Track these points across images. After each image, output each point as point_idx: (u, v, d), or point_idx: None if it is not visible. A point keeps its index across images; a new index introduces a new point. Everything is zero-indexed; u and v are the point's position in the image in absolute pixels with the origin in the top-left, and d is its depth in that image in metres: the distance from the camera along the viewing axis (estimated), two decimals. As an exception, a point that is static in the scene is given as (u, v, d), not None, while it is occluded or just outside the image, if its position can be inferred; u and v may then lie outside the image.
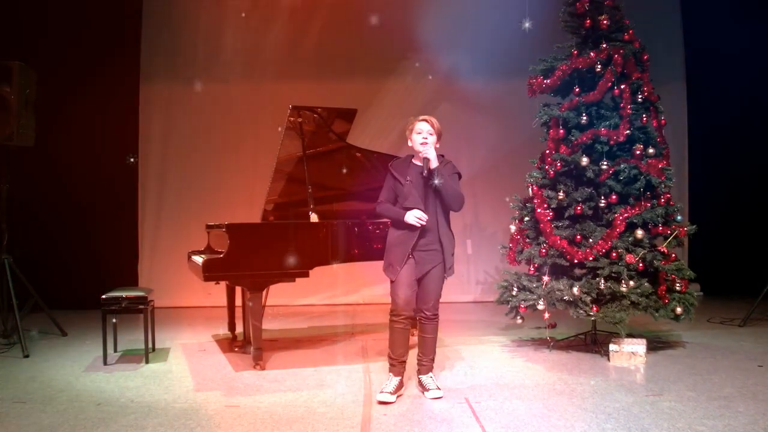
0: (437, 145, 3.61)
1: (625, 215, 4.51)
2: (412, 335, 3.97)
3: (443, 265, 3.60)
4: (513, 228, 5.05)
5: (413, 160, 3.67)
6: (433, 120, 3.62)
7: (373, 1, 7.63)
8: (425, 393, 3.64)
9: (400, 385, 3.66)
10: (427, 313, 3.65)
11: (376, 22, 7.58)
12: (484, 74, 7.62)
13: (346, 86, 7.32)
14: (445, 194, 3.53)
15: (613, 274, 4.47)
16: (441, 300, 3.72)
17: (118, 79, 7.24)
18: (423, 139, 3.55)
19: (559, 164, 4.71)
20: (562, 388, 3.81)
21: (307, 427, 3.18)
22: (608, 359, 4.48)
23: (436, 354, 3.82)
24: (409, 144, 3.66)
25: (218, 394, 3.77)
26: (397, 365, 3.65)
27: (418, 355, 3.74)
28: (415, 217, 3.51)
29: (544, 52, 5.05)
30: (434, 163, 3.50)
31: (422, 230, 3.54)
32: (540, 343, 5.08)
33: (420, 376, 3.73)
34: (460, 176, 3.68)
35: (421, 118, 3.61)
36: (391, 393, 3.54)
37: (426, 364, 3.71)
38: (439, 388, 3.65)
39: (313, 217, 4.69)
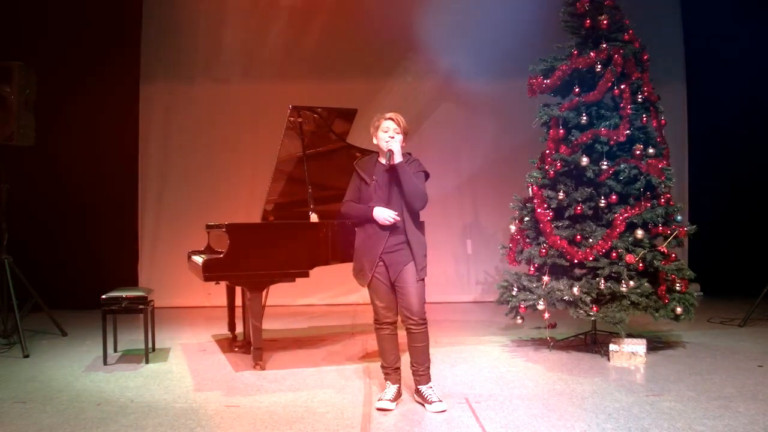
0: (404, 144, 3.49)
1: (625, 215, 4.51)
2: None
3: (414, 265, 3.45)
4: (513, 228, 5.04)
5: (379, 159, 3.56)
6: (399, 118, 3.49)
7: (373, 1, 7.63)
8: (426, 406, 3.44)
9: (399, 393, 3.57)
10: (415, 318, 3.42)
11: (376, 22, 7.59)
12: (484, 74, 7.62)
13: (346, 86, 7.32)
14: (405, 186, 3.39)
15: (613, 274, 4.47)
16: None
17: (118, 79, 7.25)
18: (389, 138, 3.44)
19: (559, 164, 4.71)
20: (562, 388, 3.81)
21: (307, 427, 3.18)
22: (608, 359, 4.48)
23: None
24: (375, 142, 3.55)
25: (218, 394, 3.77)
26: (391, 373, 3.56)
27: (413, 365, 3.52)
28: (384, 216, 3.40)
29: (544, 52, 5.05)
30: (398, 157, 3.39)
31: (390, 232, 3.44)
32: (540, 343, 5.08)
33: (419, 387, 3.51)
34: (427, 176, 3.55)
35: (388, 115, 3.48)
36: (390, 400, 3.47)
37: (423, 374, 3.50)
38: (441, 400, 3.44)
39: (313, 217, 4.69)
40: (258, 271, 4.31)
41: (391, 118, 3.48)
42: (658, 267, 4.51)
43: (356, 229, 3.63)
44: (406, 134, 3.51)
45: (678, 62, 7.76)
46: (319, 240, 4.47)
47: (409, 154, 3.55)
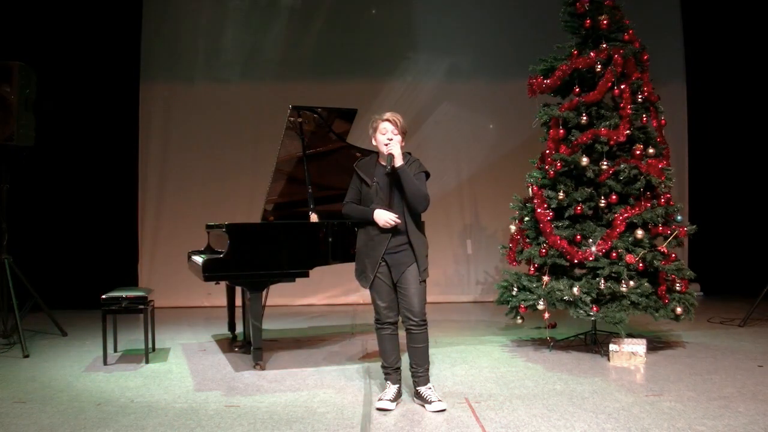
0: (403, 143, 3.48)
1: (625, 215, 4.51)
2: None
3: (417, 266, 3.45)
4: (513, 228, 5.04)
5: (379, 160, 3.55)
6: (397, 118, 3.47)
7: (373, 1, 7.63)
8: (426, 406, 3.45)
9: (399, 393, 3.57)
10: (416, 319, 3.43)
11: (376, 22, 7.59)
12: (484, 74, 7.63)
13: (346, 86, 7.33)
14: (408, 190, 3.39)
15: (613, 274, 4.47)
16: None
17: (118, 79, 7.25)
18: (388, 140, 3.43)
19: (559, 164, 4.71)
20: (562, 388, 3.81)
21: (307, 427, 3.18)
22: (608, 359, 4.48)
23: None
24: (373, 143, 3.55)
25: (218, 394, 3.77)
26: (392, 373, 3.56)
27: (412, 366, 3.52)
28: (384, 219, 3.39)
29: (544, 52, 5.06)
30: (399, 161, 3.39)
31: (391, 233, 3.44)
32: (540, 343, 5.08)
33: (418, 388, 3.51)
34: (427, 175, 3.54)
35: (385, 117, 3.47)
36: (390, 401, 3.47)
37: (422, 375, 3.50)
38: (440, 400, 3.45)
39: (313, 217, 4.69)
40: (258, 271, 4.31)
41: (388, 120, 3.46)
42: (658, 267, 4.51)
43: (357, 230, 3.63)
44: (404, 134, 3.49)
45: (678, 62, 7.76)
46: (319, 240, 4.47)
47: (409, 153, 3.54)
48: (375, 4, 7.62)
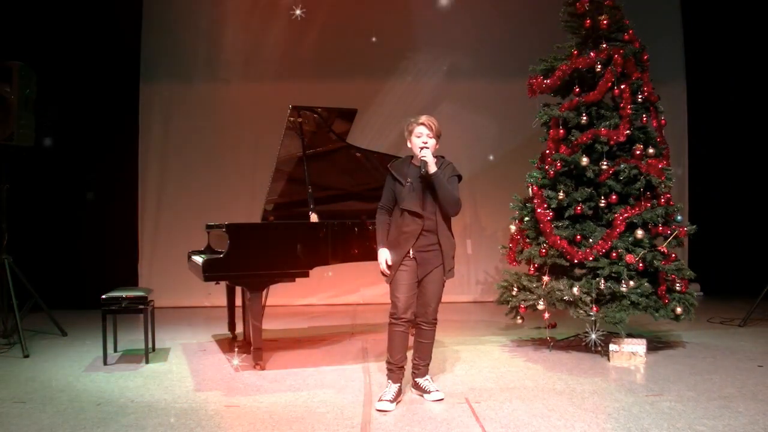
0: (437, 146, 3.57)
1: (625, 215, 4.51)
2: (411, 335, 3.91)
3: (443, 267, 3.57)
4: (513, 228, 5.05)
5: (412, 161, 3.62)
6: (432, 122, 3.55)
7: (373, 1, 7.63)
8: (425, 395, 3.60)
9: (399, 392, 3.60)
10: (430, 318, 3.61)
11: (376, 22, 7.59)
12: (484, 74, 7.63)
13: (346, 86, 7.32)
14: (440, 195, 3.47)
15: (613, 274, 4.47)
16: (441, 300, 3.68)
17: (118, 79, 7.24)
18: (423, 143, 3.50)
19: (559, 164, 4.71)
20: (562, 388, 3.81)
21: (307, 427, 3.18)
22: (608, 359, 4.48)
23: (437, 354, 3.81)
24: (409, 145, 3.62)
25: (218, 394, 3.77)
26: (396, 371, 3.59)
27: (414, 359, 3.69)
28: (380, 261, 3.56)
29: (544, 52, 5.05)
30: (432, 167, 3.45)
31: (422, 232, 3.51)
32: (540, 343, 5.08)
33: (417, 380, 3.68)
34: (459, 178, 3.63)
35: (421, 121, 3.54)
36: (390, 401, 3.48)
37: (423, 368, 3.67)
38: (438, 390, 3.62)
39: (313, 217, 4.69)
40: (258, 271, 4.31)
41: (423, 123, 3.53)
42: (658, 267, 4.51)
43: (389, 224, 3.67)
44: (438, 137, 3.57)
45: (678, 62, 7.75)
46: (319, 240, 4.47)
47: (442, 156, 3.61)
48: (375, 4, 7.60)
